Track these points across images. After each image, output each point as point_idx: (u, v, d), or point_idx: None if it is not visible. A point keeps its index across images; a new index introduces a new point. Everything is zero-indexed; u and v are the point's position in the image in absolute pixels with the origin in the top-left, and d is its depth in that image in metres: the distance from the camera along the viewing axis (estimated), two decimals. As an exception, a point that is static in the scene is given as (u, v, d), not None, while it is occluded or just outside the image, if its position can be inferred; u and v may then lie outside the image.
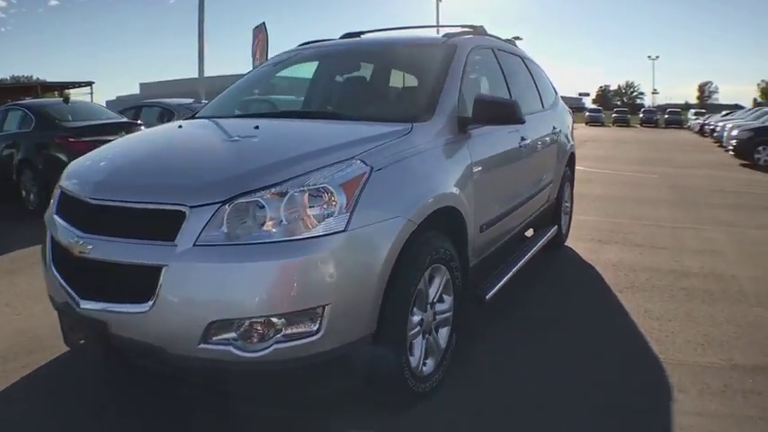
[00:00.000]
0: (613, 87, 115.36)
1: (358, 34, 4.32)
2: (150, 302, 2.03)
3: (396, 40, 4.17)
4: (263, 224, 2.05)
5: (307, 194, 2.10)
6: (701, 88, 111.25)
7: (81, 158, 2.92)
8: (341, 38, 4.28)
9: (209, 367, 2.05)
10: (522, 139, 3.74)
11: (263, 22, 17.93)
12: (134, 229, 2.14)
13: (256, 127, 2.81)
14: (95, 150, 3.00)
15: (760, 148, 13.73)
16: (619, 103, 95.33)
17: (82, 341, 2.35)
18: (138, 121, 8.77)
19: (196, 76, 18.36)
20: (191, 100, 11.51)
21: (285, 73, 4.06)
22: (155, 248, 2.06)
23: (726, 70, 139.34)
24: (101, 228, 2.22)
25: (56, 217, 2.55)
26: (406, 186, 2.42)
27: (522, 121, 3.08)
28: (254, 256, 2.00)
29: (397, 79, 4.01)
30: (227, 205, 2.05)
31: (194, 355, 2.03)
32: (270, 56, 15.19)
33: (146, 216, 2.16)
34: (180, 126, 3.23)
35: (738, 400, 2.60)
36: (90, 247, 2.19)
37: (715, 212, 7.23)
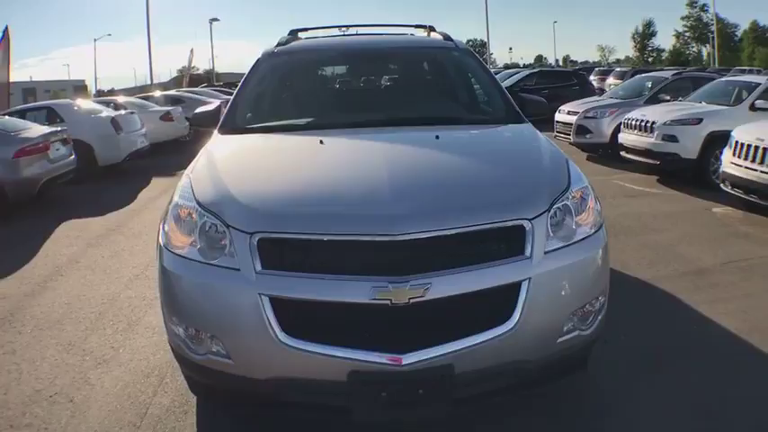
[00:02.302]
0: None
1: (302, 30, 4.37)
2: (515, 318, 2.12)
3: (414, 41, 4.39)
4: (573, 224, 2.37)
5: (590, 195, 2.53)
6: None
7: (259, 198, 2.32)
8: (289, 34, 4.26)
9: (560, 359, 2.32)
10: None
11: (6, 26, 16.22)
12: (474, 254, 2.15)
13: (437, 137, 2.91)
14: (269, 187, 2.47)
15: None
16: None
17: (408, 404, 2.10)
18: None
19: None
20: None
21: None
22: (509, 267, 2.15)
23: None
24: (423, 264, 2.05)
25: (283, 273, 2.09)
26: None
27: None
28: (586, 250, 2.37)
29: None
30: (547, 213, 2.28)
31: (552, 351, 2.27)
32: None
33: (480, 238, 2.19)
34: (321, 141, 2.87)
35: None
36: (426, 288, 2.01)
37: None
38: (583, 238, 2.38)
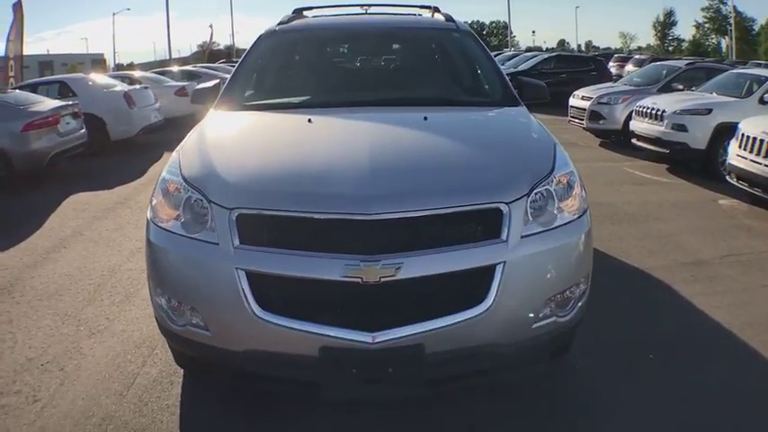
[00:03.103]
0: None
1: (307, 9, 4.35)
2: (489, 302, 2.13)
3: (411, 21, 4.36)
4: (554, 209, 2.36)
5: (575, 181, 2.53)
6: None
7: (239, 175, 2.34)
8: (294, 13, 4.24)
9: (536, 345, 2.32)
10: None
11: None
12: (448, 236, 2.16)
13: (425, 118, 2.89)
14: (251, 164, 2.46)
15: None
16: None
17: (376, 382, 2.16)
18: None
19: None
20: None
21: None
22: (483, 249, 2.15)
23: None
24: (396, 244, 2.07)
25: (260, 249, 2.12)
26: None
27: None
28: (567, 235, 2.36)
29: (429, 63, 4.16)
30: (527, 197, 2.27)
31: (527, 336, 2.27)
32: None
33: (455, 220, 2.19)
34: (309, 120, 2.88)
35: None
36: (398, 268, 2.03)
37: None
38: (564, 224, 2.37)
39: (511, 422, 2.58)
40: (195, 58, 40.75)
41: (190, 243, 2.24)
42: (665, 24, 76.32)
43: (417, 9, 4.65)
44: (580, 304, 2.47)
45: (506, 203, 2.22)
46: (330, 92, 3.61)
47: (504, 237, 2.19)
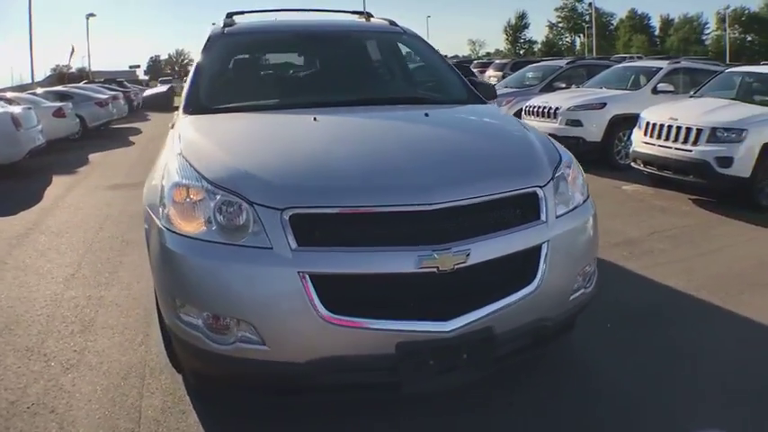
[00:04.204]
0: (164, 57, 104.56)
1: (239, 14, 4.19)
2: (538, 279, 2.24)
3: (356, 25, 4.41)
4: (569, 192, 2.53)
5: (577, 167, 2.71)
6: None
7: (282, 173, 2.24)
8: (227, 17, 4.03)
9: (569, 316, 2.51)
10: None
11: None
12: (500, 220, 2.24)
13: (426, 114, 3.00)
14: (288, 162, 2.37)
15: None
16: (168, 71, 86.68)
17: (453, 370, 2.16)
18: None
19: None
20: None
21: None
22: (531, 231, 2.27)
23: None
24: (460, 231, 2.10)
25: (322, 249, 2.03)
26: None
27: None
28: (583, 215, 2.55)
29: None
30: (552, 181, 2.42)
31: (565, 309, 2.43)
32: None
33: (503, 204, 2.28)
34: (315, 119, 2.78)
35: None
36: (467, 254, 2.06)
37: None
38: (579, 205, 2.57)
39: (542, 394, 2.70)
40: (50, 81, 37.09)
41: (234, 251, 2.07)
42: (517, 28, 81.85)
43: (350, 15, 4.67)
44: (595, 277, 2.70)
45: (541, 187, 2.37)
46: (305, 93, 3.55)
47: (543, 218, 2.33)
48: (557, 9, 79.15)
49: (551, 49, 74.11)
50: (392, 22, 4.26)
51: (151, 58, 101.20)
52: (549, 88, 10.84)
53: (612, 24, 78.20)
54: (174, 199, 2.26)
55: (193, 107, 3.15)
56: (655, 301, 3.77)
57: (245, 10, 4.32)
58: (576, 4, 77.08)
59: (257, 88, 3.61)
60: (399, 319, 2.03)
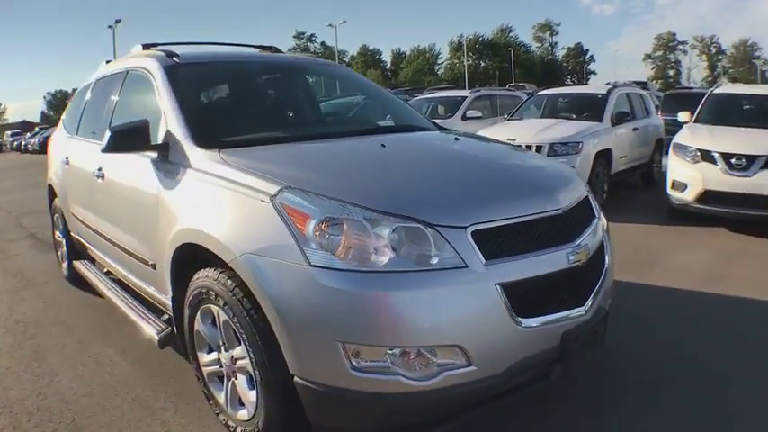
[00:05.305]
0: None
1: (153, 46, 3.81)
2: (608, 263, 2.58)
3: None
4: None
5: None
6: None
7: (442, 195, 2.25)
8: (144, 49, 3.67)
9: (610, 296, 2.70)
10: None
11: None
12: (585, 218, 2.53)
13: (456, 139, 3.22)
14: (428, 185, 2.34)
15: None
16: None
17: (589, 349, 2.33)
18: None
19: None
20: None
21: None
22: (599, 224, 2.61)
23: (12, 90, 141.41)
24: (578, 228, 2.38)
25: (504, 259, 2.06)
26: None
27: None
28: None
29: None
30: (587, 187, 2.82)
31: (611, 288, 2.62)
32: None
33: (581, 206, 2.56)
34: (383, 145, 2.79)
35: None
36: (588, 247, 2.35)
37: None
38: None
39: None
40: None
41: (430, 275, 1.95)
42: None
43: (256, 48, 4.40)
44: None
45: (587, 191, 2.76)
46: (310, 125, 3.50)
47: (597, 215, 2.68)
48: (290, 50, 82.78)
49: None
50: (319, 55, 4.20)
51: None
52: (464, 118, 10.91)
53: (345, 61, 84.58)
54: (323, 233, 1.97)
55: (205, 141, 2.66)
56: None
57: (159, 42, 3.73)
58: (309, 43, 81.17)
59: (256, 121, 3.25)
60: (562, 310, 2.19)
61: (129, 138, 2.72)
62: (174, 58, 3.24)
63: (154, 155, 2.79)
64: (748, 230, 5.90)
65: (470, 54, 79.54)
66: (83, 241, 4.12)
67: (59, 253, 4.92)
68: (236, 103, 3.52)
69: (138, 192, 2.88)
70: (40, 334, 3.74)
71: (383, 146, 2.77)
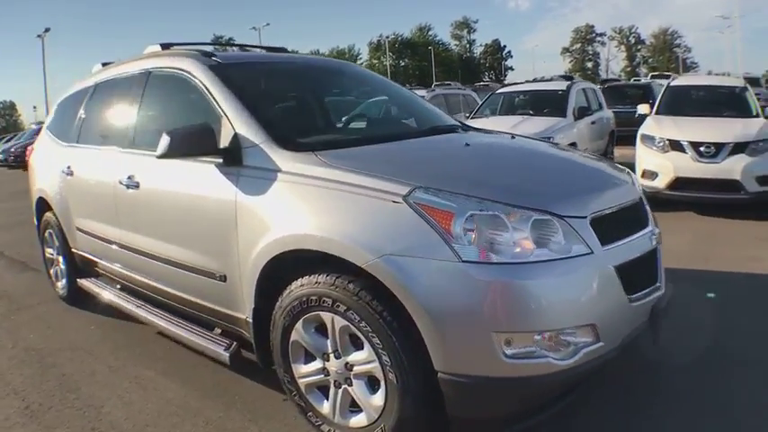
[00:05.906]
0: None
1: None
2: None
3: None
4: None
5: None
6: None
7: (555, 188, 2.44)
8: (164, 47, 3.51)
9: None
10: None
11: None
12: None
13: (513, 137, 3.29)
14: (539, 177, 2.58)
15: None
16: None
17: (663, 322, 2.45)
18: None
19: None
20: None
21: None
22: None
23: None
24: (647, 216, 2.65)
25: (614, 244, 2.26)
26: None
27: None
28: None
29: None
30: None
31: None
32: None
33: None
34: (467, 144, 2.98)
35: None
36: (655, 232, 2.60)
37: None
38: None
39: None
40: None
41: (570, 263, 2.11)
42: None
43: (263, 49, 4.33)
44: None
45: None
46: (379, 123, 3.71)
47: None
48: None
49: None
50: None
51: None
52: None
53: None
54: (476, 229, 2.04)
55: (289, 142, 2.58)
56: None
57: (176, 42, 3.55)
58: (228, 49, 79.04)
59: (320, 120, 3.37)
60: (650, 288, 2.42)
61: (196, 141, 2.58)
62: (215, 58, 3.08)
63: (218, 160, 2.63)
64: (714, 213, 6.34)
65: (390, 54, 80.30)
66: (91, 257, 3.82)
67: (52, 272, 4.52)
68: (299, 103, 3.47)
69: (204, 200, 2.69)
70: (60, 362, 3.43)
71: (467, 145, 2.89)
